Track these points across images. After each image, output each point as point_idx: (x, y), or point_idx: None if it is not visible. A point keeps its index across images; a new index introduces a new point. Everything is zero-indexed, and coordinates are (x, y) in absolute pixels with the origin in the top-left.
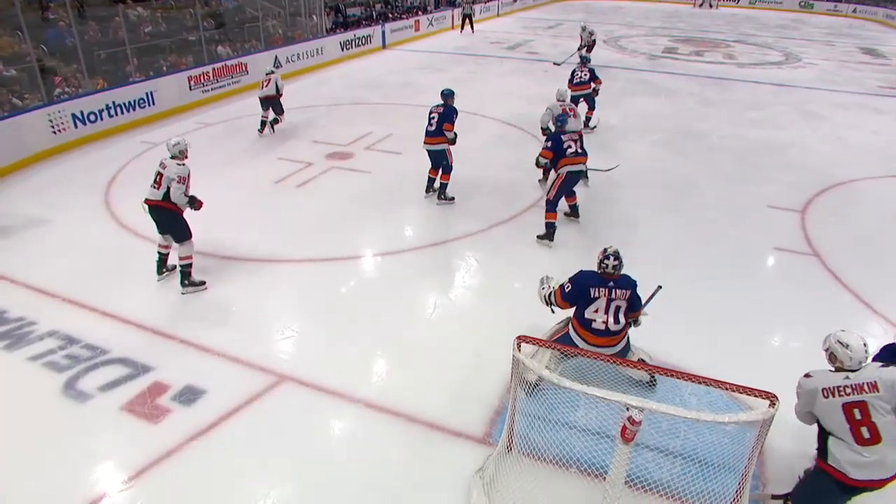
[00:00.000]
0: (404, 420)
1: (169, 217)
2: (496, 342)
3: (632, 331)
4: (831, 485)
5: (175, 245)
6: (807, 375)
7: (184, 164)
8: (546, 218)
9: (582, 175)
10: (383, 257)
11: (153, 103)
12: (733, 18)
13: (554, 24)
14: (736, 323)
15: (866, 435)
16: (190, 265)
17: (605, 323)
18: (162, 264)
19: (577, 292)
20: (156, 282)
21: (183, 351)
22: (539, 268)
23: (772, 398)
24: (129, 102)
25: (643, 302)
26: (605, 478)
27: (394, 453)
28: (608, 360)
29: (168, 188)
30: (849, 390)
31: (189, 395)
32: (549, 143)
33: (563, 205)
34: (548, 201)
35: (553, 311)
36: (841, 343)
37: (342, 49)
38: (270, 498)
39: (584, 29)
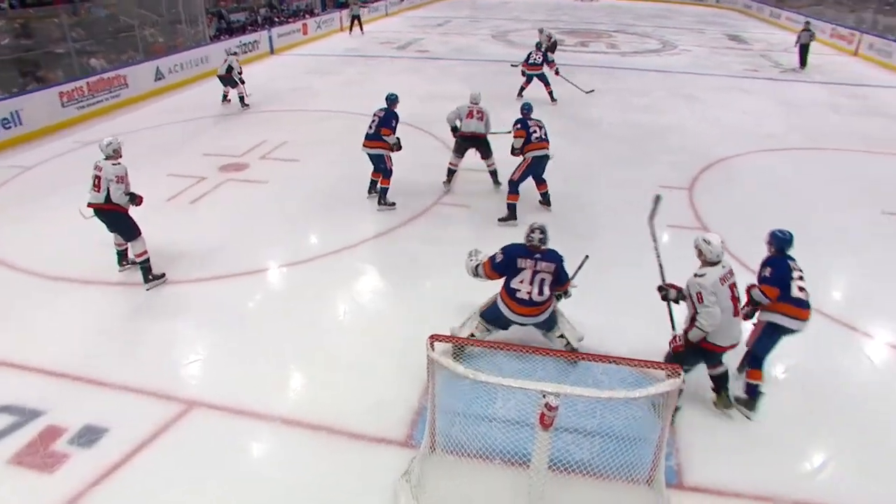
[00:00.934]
0: (324, 432)
1: (114, 218)
2: (410, 343)
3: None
4: (692, 352)
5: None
6: (697, 276)
7: (119, 163)
8: (508, 199)
9: (546, 160)
10: (288, 268)
11: (20, 123)
12: (612, 10)
13: (442, 21)
14: (638, 300)
15: (736, 309)
16: (147, 260)
17: (529, 294)
18: (122, 257)
19: (506, 262)
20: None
21: (77, 389)
22: (445, 268)
23: (677, 370)
24: None
25: (571, 274)
26: (528, 465)
27: (317, 467)
28: (524, 351)
29: (108, 189)
30: (729, 276)
31: (89, 436)
32: (519, 126)
33: (533, 192)
34: (511, 182)
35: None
36: (706, 241)
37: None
38: None
39: (541, 32)
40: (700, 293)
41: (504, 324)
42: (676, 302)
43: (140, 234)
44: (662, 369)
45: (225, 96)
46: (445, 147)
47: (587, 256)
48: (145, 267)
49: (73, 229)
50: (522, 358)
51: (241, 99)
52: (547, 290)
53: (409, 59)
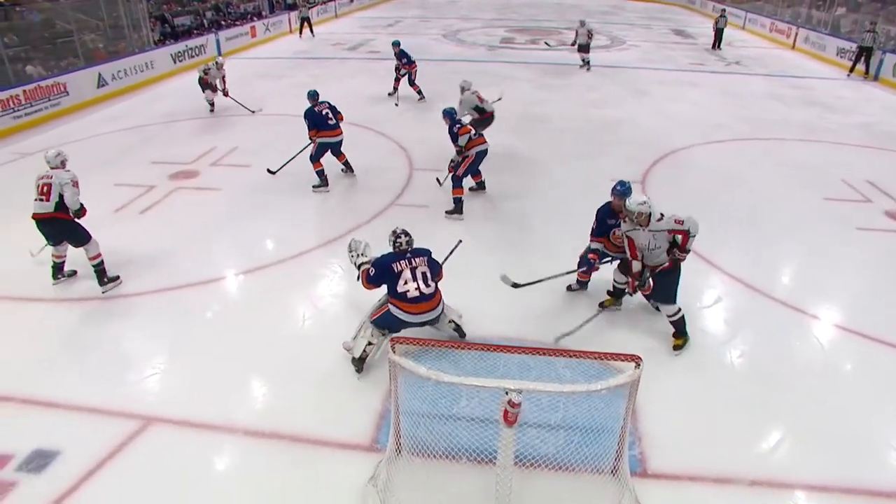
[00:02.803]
0: (287, 441)
1: (63, 226)
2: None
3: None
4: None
5: (79, 250)
6: (659, 221)
7: (70, 171)
8: (454, 194)
9: (485, 154)
10: (245, 275)
11: None
12: (560, 6)
13: (393, 21)
14: (595, 292)
15: None
16: (102, 263)
17: (418, 289)
18: (58, 270)
19: (380, 273)
20: (51, 286)
21: (24, 411)
22: None
23: (637, 360)
24: None
25: (443, 259)
26: (495, 462)
27: (283, 478)
28: (486, 349)
29: (59, 198)
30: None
31: (38, 461)
32: (459, 125)
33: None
34: (455, 177)
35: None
36: (641, 203)
37: (174, 61)
38: None
39: (583, 25)
40: (679, 219)
41: (398, 326)
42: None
43: (91, 237)
44: (624, 360)
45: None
46: (398, 147)
47: (460, 241)
48: (100, 270)
49: (8, 241)
50: (484, 356)
51: (212, 104)
52: (431, 282)
53: (360, 59)
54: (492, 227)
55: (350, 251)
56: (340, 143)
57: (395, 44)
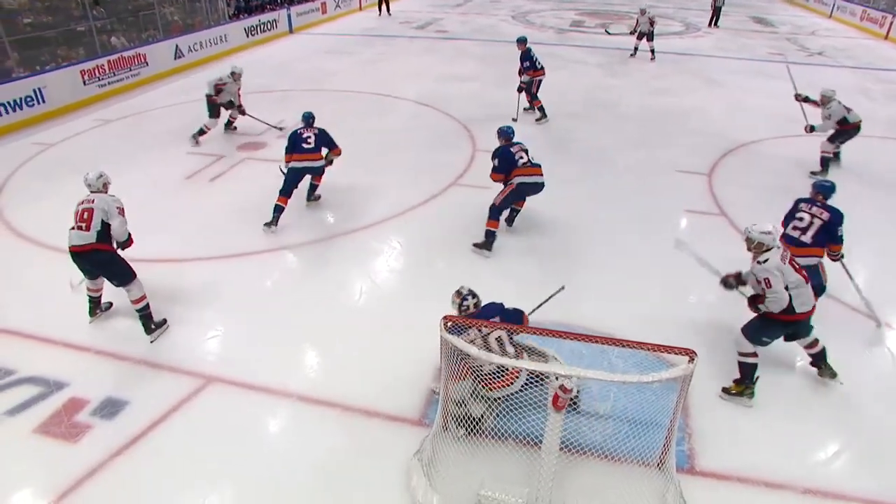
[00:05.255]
0: (339, 410)
1: (104, 259)
2: (425, 323)
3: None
4: (781, 324)
5: (122, 289)
6: (760, 262)
7: (115, 196)
8: (487, 226)
9: (540, 188)
10: (306, 247)
11: (43, 101)
12: None
13: (462, 1)
14: (654, 284)
15: (805, 278)
16: (147, 307)
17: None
18: (95, 306)
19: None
20: (88, 323)
21: (99, 363)
22: (462, 247)
23: (691, 354)
24: (15, 101)
25: (540, 303)
26: (540, 446)
27: (331, 443)
28: (538, 333)
29: (102, 226)
30: (786, 254)
31: (110, 409)
32: (496, 161)
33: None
34: (492, 208)
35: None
36: (763, 232)
37: (247, 35)
38: (210, 502)
39: (644, 13)
40: (768, 279)
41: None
42: (735, 287)
43: (135, 275)
44: (678, 353)
45: (229, 123)
46: (462, 127)
47: (562, 287)
48: (145, 315)
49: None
50: (537, 340)
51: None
52: (510, 347)
53: (428, 39)
54: (549, 211)
55: (460, 299)
56: (315, 168)
57: (521, 40)
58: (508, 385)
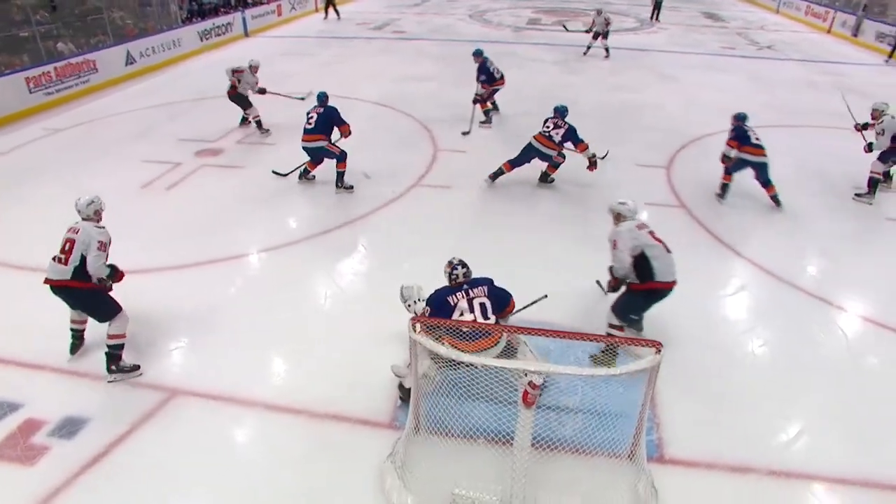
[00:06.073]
0: (307, 416)
1: (84, 296)
2: (393, 326)
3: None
4: (642, 295)
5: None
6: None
7: (103, 228)
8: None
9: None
10: (268, 253)
11: None
12: None
13: (420, 1)
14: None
15: (665, 247)
16: (121, 346)
17: (474, 321)
18: (79, 342)
19: (436, 310)
20: (67, 360)
21: (57, 381)
22: (426, 248)
23: (657, 346)
24: None
25: (524, 305)
26: (512, 444)
27: (301, 450)
28: (508, 331)
29: (80, 260)
30: (645, 225)
31: (69, 428)
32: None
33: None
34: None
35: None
36: (620, 203)
37: (201, 39)
38: None
39: (599, 14)
40: (616, 241)
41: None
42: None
43: (121, 310)
44: (645, 346)
45: (245, 120)
46: (422, 127)
47: (545, 295)
48: (115, 354)
49: (44, 217)
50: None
51: (258, 123)
52: (491, 315)
53: (386, 39)
54: (507, 208)
55: (404, 300)
56: (311, 150)
57: (477, 53)
58: (487, 349)
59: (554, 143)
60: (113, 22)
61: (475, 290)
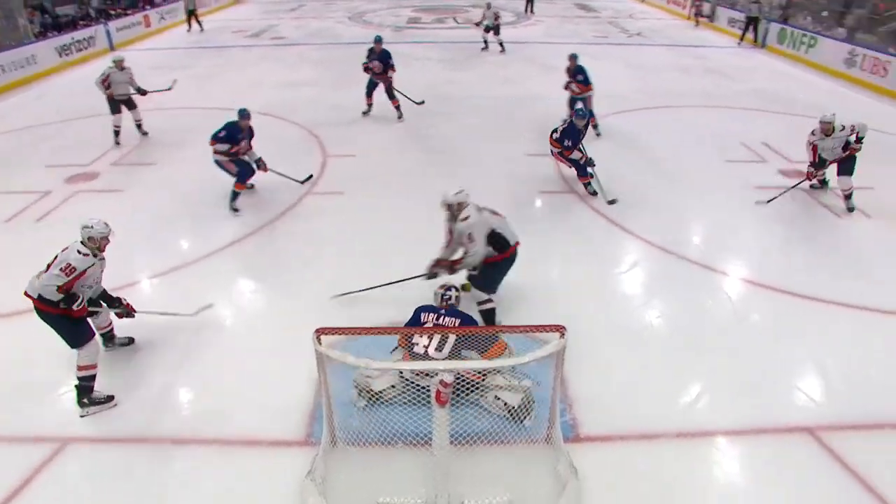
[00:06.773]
0: (217, 446)
1: (47, 318)
2: (293, 340)
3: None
4: (506, 261)
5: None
6: (462, 220)
7: (88, 256)
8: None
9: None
10: (158, 278)
11: None
12: None
13: (296, 5)
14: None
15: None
16: (92, 378)
17: (426, 347)
18: (108, 339)
19: (411, 321)
20: None
21: None
22: (321, 260)
23: (561, 330)
24: None
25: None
26: (430, 444)
27: (216, 483)
28: (413, 332)
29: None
30: (481, 205)
31: None
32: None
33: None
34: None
35: None
36: (456, 193)
37: (60, 55)
38: None
39: (489, 7)
40: (471, 234)
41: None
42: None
43: (90, 338)
44: (549, 331)
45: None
46: (309, 134)
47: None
48: (86, 386)
49: None
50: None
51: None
52: (447, 350)
53: (265, 46)
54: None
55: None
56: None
57: (377, 39)
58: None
59: (558, 143)
60: None
61: (447, 320)
